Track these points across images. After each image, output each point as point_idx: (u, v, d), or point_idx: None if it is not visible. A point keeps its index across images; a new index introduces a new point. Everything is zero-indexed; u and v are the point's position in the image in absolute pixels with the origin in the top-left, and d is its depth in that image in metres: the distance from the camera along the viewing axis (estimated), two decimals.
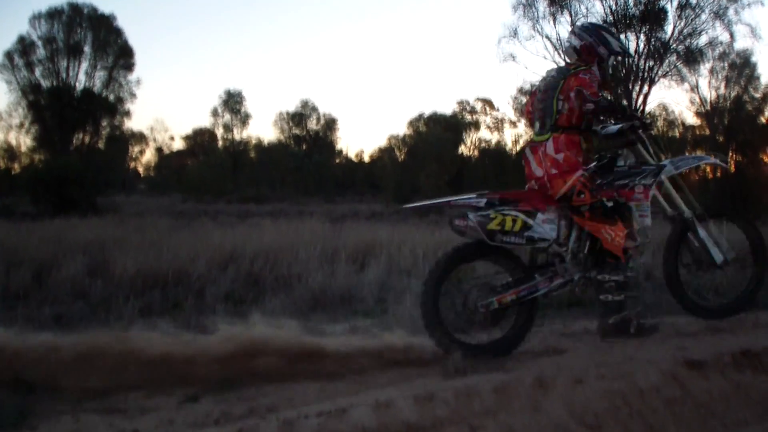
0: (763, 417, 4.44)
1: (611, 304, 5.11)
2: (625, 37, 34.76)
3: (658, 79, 34.96)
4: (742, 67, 40.29)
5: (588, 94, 4.94)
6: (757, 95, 40.79)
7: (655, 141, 5.47)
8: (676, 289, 5.58)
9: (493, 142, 59.57)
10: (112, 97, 46.24)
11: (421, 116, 58.10)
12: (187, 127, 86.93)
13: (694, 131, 44.03)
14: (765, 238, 5.77)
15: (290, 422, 3.60)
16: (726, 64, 40.05)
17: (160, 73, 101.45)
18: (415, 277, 8.96)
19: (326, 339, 5.28)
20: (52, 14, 44.46)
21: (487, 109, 60.22)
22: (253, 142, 64.32)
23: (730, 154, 38.43)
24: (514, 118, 58.66)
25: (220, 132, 63.42)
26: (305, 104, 63.05)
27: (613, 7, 34.44)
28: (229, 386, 4.56)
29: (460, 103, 60.60)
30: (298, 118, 62.29)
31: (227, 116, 62.13)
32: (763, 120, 39.89)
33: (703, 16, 33.54)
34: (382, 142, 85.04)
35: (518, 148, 55.79)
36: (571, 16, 34.58)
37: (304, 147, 61.43)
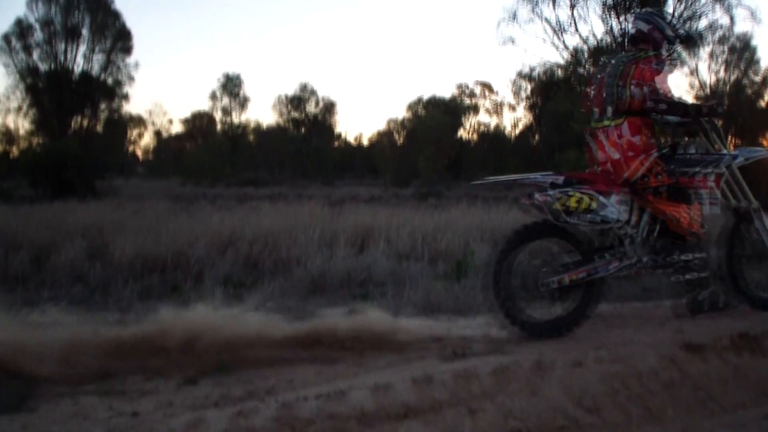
0: (761, 400, 4.45)
1: (696, 281, 5.30)
2: (625, 20, 34.66)
3: None
4: (741, 50, 40.23)
5: (662, 92, 5.10)
6: (757, 79, 40.78)
7: (716, 131, 5.51)
8: (734, 280, 5.68)
9: (492, 125, 59.52)
10: (110, 81, 46.03)
11: (420, 100, 58.07)
12: (186, 111, 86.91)
13: None
14: None
15: (289, 404, 3.61)
16: (726, 48, 40.00)
17: (159, 56, 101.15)
18: (414, 260, 8.99)
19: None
20: None
21: (486, 92, 60.14)
22: (252, 125, 64.24)
23: (730, 138, 38.38)
24: (513, 102, 58.56)
25: (218, 115, 63.30)
26: (304, 87, 62.94)
27: None
28: (229, 369, 4.57)
29: (460, 86, 60.55)
30: (297, 101, 62.15)
31: (226, 100, 62.00)
32: (762, 104, 39.86)
33: (703, 0, 33.43)
34: (381, 126, 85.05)
35: (517, 131, 55.78)
36: None
37: (303, 130, 61.33)
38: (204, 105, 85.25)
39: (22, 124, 50.11)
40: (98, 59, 45.48)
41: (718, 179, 5.36)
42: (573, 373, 4.21)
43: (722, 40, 38.51)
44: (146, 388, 4.25)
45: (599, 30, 45.48)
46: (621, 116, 5.21)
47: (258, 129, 63.77)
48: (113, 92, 46.33)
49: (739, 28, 48.97)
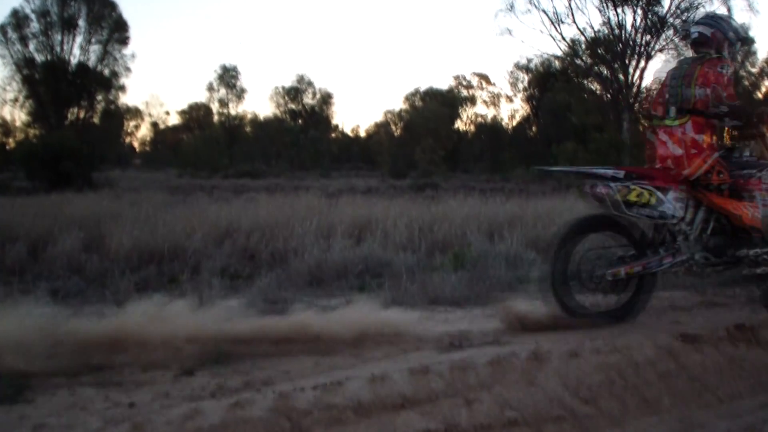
0: (757, 390, 4.47)
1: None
2: (622, 11, 34.69)
3: (655, 54, 34.89)
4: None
5: (725, 96, 5.26)
6: (754, 70, 40.77)
7: None
8: None
9: (490, 117, 59.49)
10: (107, 72, 45.99)
11: (417, 91, 58.04)
12: (183, 102, 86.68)
13: None
14: None
15: (286, 395, 3.61)
16: None
17: (155, 47, 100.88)
18: (411, 251, 8.99)
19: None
20: None
21: (484, 83, 60.07)
22: (249, 117, 64.15)
23: (726, 129, 38.33)
24: (510, 93, 58.52)
25: (215, 107, 63.16)
26: (301, 79, 62.80)
27: None
28: (225, 360, 4.57)
29: (457, 77, 60.47)
30: (294, 92, 62.05)
31: (223, 91, 61.85)
32: (759, 95, 39.84)
33: None
34: (379, 117, 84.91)
35: (514, 123, 55.76)
36: None
37: (300, 122, 61.24)
38: (201, 97, 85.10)
39: (18, 116, 49.99)
40: (95, 50, 45.45)
41: None
42: (569, 364, 4.22)
43: None
44: (143, 379, 4.25)
45: (597, 21, 45.42)
46: (685, 115, 5.37)
47: (255, 120, 63.73)
48: (110, 83, 46.29)
49: (737, 18, 48.96)
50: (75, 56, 44.92)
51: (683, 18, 34.10)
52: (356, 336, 4.99)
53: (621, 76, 34.96)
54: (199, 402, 3.70)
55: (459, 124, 57.87)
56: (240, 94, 62.34)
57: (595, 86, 38.88)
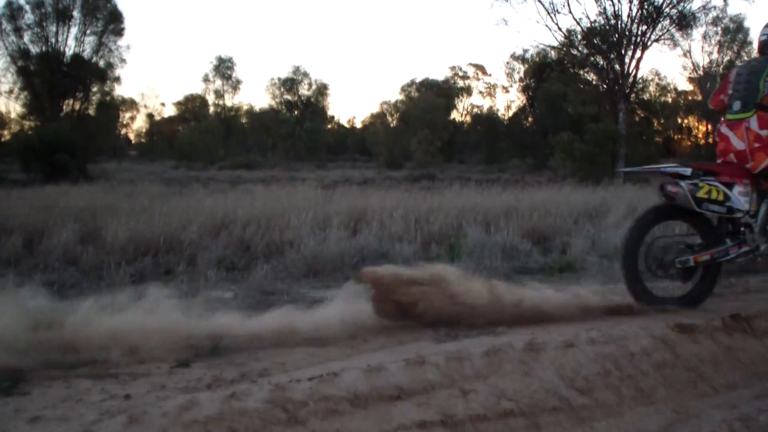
0: (752, 380, 4.48)
1: None
2: (618, 1, 34.65)
3: (651, 44, 34.86)
4: (735, 32, 40.23)
5: None
6: None
7: None
8: None
9: (486, 107, 59.47)
10: (102, 63, 45.84)
11: (413, 82, 57.93)
12: (179, 94, 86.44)
13: (686, 96, 44.01)
14: None
15: (282, 386, 3.61)
16: (719, 29, 39.97)
17: (151, 38, 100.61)
18: (407, 242, 8.99)
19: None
20: None
21: (480, 74, 60.01)
22: (245, 108, 64.03)
23: (722, 119, 38.40)
24: (506, 84, 58.46)
25: (211, 98, 63.03)
26: (297, 70, 62.64)
27: None
28: (221, 352, 4.58)
29: (453, 68, 60.40)
30: (290, 83, 61.91)
31: (218, 82, 61.70)
32: None
33: None
34: (375, 108, 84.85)
35: (510, 113, 55.73)
36: None
37: (296, 113, 61.14)
38: (197, 88, 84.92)
39: (13, 108, 49.88)
40: (90, 41, 45.25)
41: None
42: (565, 354, 4.22)
43: (716, 21, 38.51)
44: (139, 371, 4.25)
45: (593, 11, 45.38)
46: (750, 110, 5.56)
47: (251, 111, 63.61)
48: (105, 75, 46.13)
49: (733, 9, 48.93)
50: (70, 47, 44.76)
51: (679, 8, 34.07)
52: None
53: (617, 67, 34.93)
54: (195, 393, 3.70)
55: (455, 115, 57.94)
56: (236, 85, 62.27)
57: (591, 76, 38.87)
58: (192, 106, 65.98)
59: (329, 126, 66.42)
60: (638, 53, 34.64)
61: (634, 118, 36.44)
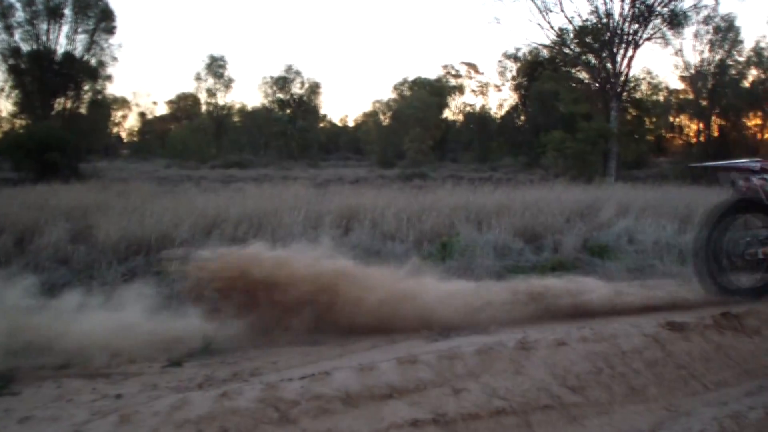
0: (742, 377, 4.50)
1: None
2: (610, 0, 34.69)
3: (643, 43, 34.90)
4: (726, 30, 40.22)
5: None
6: (741, 59, 40.76)
7: None
8: None
9: (478, 106, 59.40)
10: (93, 61, 45.61)
11: (405, 80, 57.82)
12: (171, 92, 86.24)
13: (677, 95, 44.07)
14: None
15: (273, 385, 3.61)
16: (710, 28, 39.96)
17: (143, 37, 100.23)
18: (400, 241, 8.99)
19: None
20: None
21: (472, 72, 59.94)
22: (237, 106, 63.85)
23: (713, 118, 38.59)
24: (498, 82, 58.44)
25: (203, 97, 62.78)
26: (289, 68, 62.47)
27: None
28: (214, 351, 4.57)
29: (445, 66, 60.31)
30: (282, 82, 61.70)
31: (210, 81, 61.49)
32: (746, 84, 39.91)
33: None
34: (367, 107, 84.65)
35: (502, 112, 55.75)
36: None
37: (288, 112, 60.99)
38: (189, 87, 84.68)
39: (4, 106, 49.62)
40: (81, 40, 44.98)
41: None
42: (557, 353, 4.23)
43: (707, 20, 38.53)
44: (131, 370, 4.25)
45: (585, 10, 45.42)
46: None
47: (243, 110, 63.44)
48: (96, 73, 45.89)
49: (724, 7, 49.09)
50: (61, 46, 44.51)
51: (670, 7, 34.13)
52: None
53: (609, 65, 34.98)
54: (187, 393, 3.70)
55: (447, 114, 57.77)
56: (228, 84, 61.93)
57: (583, 75, 38.88)
58: (184, 104, 65.76)
59: (322, 125, 66.28)
60: (630, 52, 34.70)
61: (626, 117, 36.42)
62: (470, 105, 59.34)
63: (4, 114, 48.45)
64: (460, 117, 58.67)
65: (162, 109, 68.24)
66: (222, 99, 61.77)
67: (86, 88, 46.15)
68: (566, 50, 37.47)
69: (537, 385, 3.93)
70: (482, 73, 59.16)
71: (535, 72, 45.82)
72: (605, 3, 35.00)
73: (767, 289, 5.80)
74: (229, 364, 4.36)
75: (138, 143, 67.59)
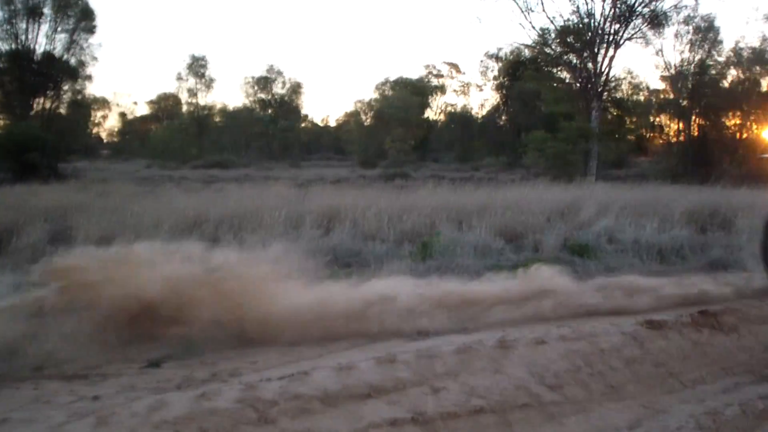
0: (719, 375, 4.53)
1: None
2: (592, 0, 34.85)
3: (624, 43, 35.08)
4: (706, 30, 40.46)
5: None
6: (721, 59, 41.02)
7: None
8: None
9: (460, 106, 59.49)
10: (73, 61, 45.30)
11: (387, 80, 57.82)
12: (152, 92, 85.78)
13: (658, 95, 44.30)
14: None
15: (252, 386, 3.61)
16: (690, 28, 40.18)
17: (123, 36, 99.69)
18: (380, 240, 8.99)
19: None
20: None
21: (454, 72, 60.03)
22: (218, 107, 63.62)
23: (694, 117, 38.84)
24: (480, 82, 58.59)
25: (184, 97, 62.50)
26: (271, 68, 62.34)
27: None
28: (193, 351, 4.55)
29: (427, 66, 60.36)
30: (264, 82, 61.55)
31: (192, 80, 61.22)
32: (726, 84, 40.18)
33: None
34: (349, 107, 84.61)
35: (484, 112, 55.91)
36: None
37: (270, 112, 60.85)
38: (170, 87, 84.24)
39: None
40: (61, 39, 44.67)
41: None
42: (536, 351, 4.25)
43: (687, 20, 38.73)
44: (109, 371, 4.22)
45: (566, 10, 45.50)
46: None
47: (224, 110, 63.22)
48: (76, 73, 45.58)
49: (704, 8, 49.42)
50: (41, 45, 44.18)
51: (651, 7, 34.33)
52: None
53: (590, 65, 35.12)
54: (165, 394, 3.68)
55: (429, 113, 57.82)
56: (209, 84, 61.63)
57: (565, 75, 39.02)
58: (165, 104, 65.41)
59: (303, 125, 66.14)
60: (611, 52, 34.85)
61: (607, 117, 36.59)
62: (452, 105, 59.42)
63: None
64: (442, 117, 58.75)
65: (143, 110, 67.82)
66: (203, 99, 61.48)
67: (66, 88, 45.80)
68: (548, 50, 37.59)
69: (516, 383, 3.95)
70: (464, 73, 59.31)
71: (517, 72, 45.94)
72: (586, 3, 35.17)
73: None
74: (208, 364, 4.34)
75: (118, 143, 67.12)
